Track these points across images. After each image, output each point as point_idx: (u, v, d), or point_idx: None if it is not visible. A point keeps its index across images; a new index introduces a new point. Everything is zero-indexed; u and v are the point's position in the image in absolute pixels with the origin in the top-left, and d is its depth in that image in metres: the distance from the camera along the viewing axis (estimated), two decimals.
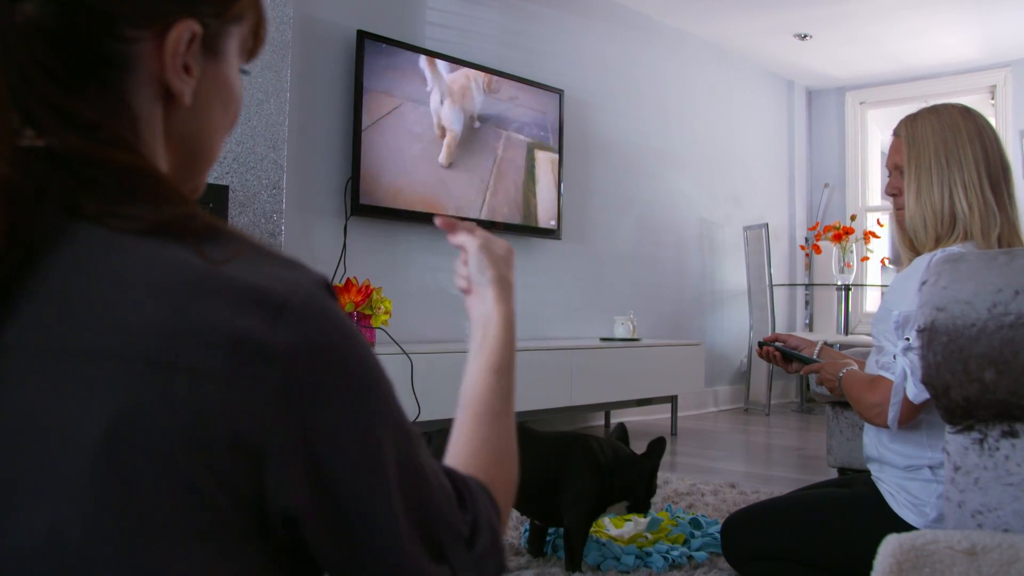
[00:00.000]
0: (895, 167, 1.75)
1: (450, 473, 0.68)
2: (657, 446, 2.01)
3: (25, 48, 0.54)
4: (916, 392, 1.52)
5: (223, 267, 0.52)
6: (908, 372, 1.54)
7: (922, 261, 1.62)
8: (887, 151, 1.85)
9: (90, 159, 0.54)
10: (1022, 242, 1.67)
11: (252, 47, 0.69)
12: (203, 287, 0.51)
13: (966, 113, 1.71)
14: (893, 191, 1.76)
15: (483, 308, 0.87)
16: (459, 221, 0.94)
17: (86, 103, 0.56)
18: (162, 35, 0.58)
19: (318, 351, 0.53)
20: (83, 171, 0.54)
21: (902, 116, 1.80)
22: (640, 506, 2.01)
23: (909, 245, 1.78)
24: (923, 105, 1.79)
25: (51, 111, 0.54)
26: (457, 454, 0.77)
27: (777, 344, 1.99)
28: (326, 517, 0.54)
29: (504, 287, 0.88)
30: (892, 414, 1.56)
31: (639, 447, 2.04)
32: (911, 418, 1.58)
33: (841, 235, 5.62)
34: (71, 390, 0.49)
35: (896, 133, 1.77)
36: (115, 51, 0.57)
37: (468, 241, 0.91)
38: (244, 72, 0.69)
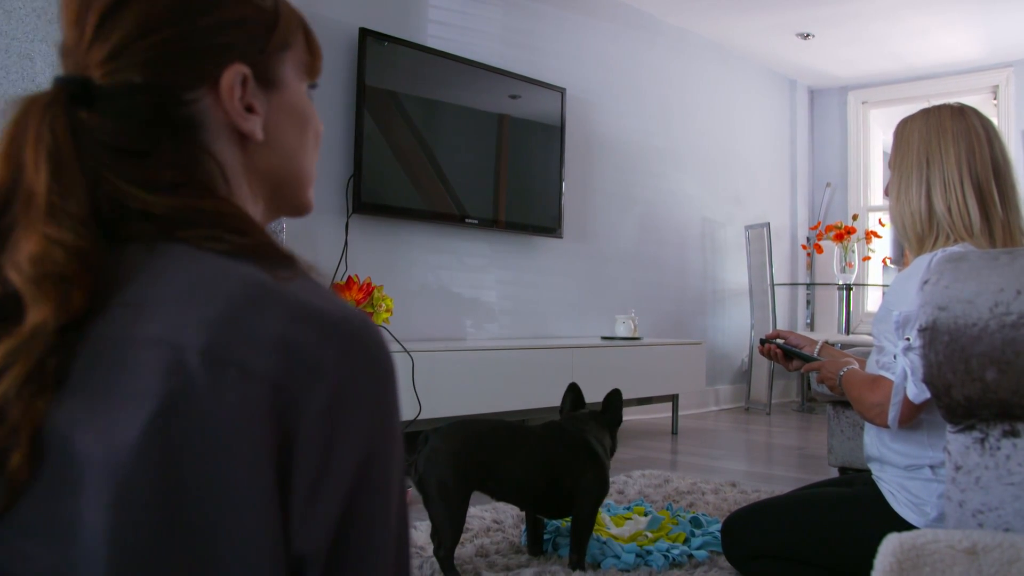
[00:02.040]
0: (889, 166, 1.77)
1: None
2: (612, 401, 2.12)
3: (95, 141, 0.61)
4: (916, 392, 1.51)
5: (287, 284, 0.58)
6: (908, 372, 1.54)
7: (922, 261, 1.63)
8: (890, 151, 1.86)
9: (179, 211, 0.61)
10: (1016, 242, 1.66)
11: (311, 64, 0.73)
12: (266, 297, 0.56)
13: (958, 113, 1.69)
14: (886, 190, 1.79)
15: None
16: None
17: (166, 167, 0.62)
18: (216, 86, 0.64)
19: (364, 376, 0.57)
20: (174, 218, 0.60)
21: (904, 116, 1.80)
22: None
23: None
24: (924, 105, 1.79)
25: (133, 185, 0.60)
26: None
27: (778, 341, 2.00)
28: (342, 551, 0.57)
29: None
30: (892, 414, 1.56)
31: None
32: (911, 418, 1.58)
33: (843, 235, 5.62)
34: (135, 370, 0.54)
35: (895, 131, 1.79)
36: (180, 115, 0.63)
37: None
38: (313, 87, 0.74)
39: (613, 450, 2.09)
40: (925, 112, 1.74)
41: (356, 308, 0.60)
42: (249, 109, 0.66)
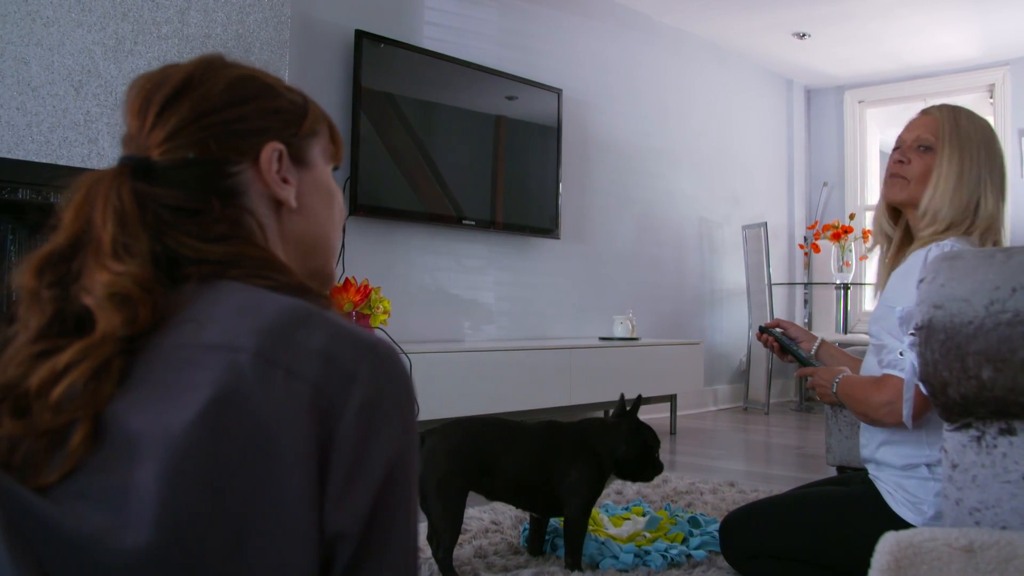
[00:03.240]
0: (916, 141, 1.73)
1: None
2: (634, 408, 2.01)
3: (155, 203, 0.72)
4: None
5: (326, 311, 0.69)
6: (918, 366, 1.54)
7: (918, 257, 1.63)
8: (891, 144, 1.83)
9: (230, 256, 0.72)
10: (999, 242, 1.70)
11: (333, 151, 0.87)
12: (310, 317, 0.67)
13: (991, 125, 1.77)
14: (904, 159, 1.74)
15: None
16: None
17: (216, 222, 0.74)
18: (256, 160, 0.78)
19: (392, 387, 0.67)
20: (225, 261, 0.72)
21: (901, 115, 1.81)
22: (633, 472, 1.99)
23: (891, 218, 1.79)
24: (923, 104, 1.79)
25: (189, 236, 0.72)
26: None
27: (776, 332, 1.99)
28: (370, 537, 0.65)
29: None
30: (907, 410, 1.55)
31: None
32: (925, 411, 1.57)
33: (840, 234, 5.62)
34: (194, 368, 0.63)
35: (928, 112, 1.75)
36: (227, 185, 0.76)
37: None
38: (335, 169, 0.89)
39: (630, 458, 1.98)
40: (969, 110, 1.75)
41: (383, 337, 0.71)
42: (284, 181, 0.79)
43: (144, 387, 0.64)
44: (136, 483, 0.59)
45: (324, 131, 0.86)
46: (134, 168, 0.73)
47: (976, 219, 1.67)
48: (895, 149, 1.79)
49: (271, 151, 0.78)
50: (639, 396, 2.08)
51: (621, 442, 1.98)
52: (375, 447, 0.65)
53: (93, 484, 0.61)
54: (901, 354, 1.59)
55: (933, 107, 1.77)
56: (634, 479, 2.01)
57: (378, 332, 3.13)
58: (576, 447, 1.96)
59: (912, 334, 1.55)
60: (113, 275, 0.67)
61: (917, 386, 1.54)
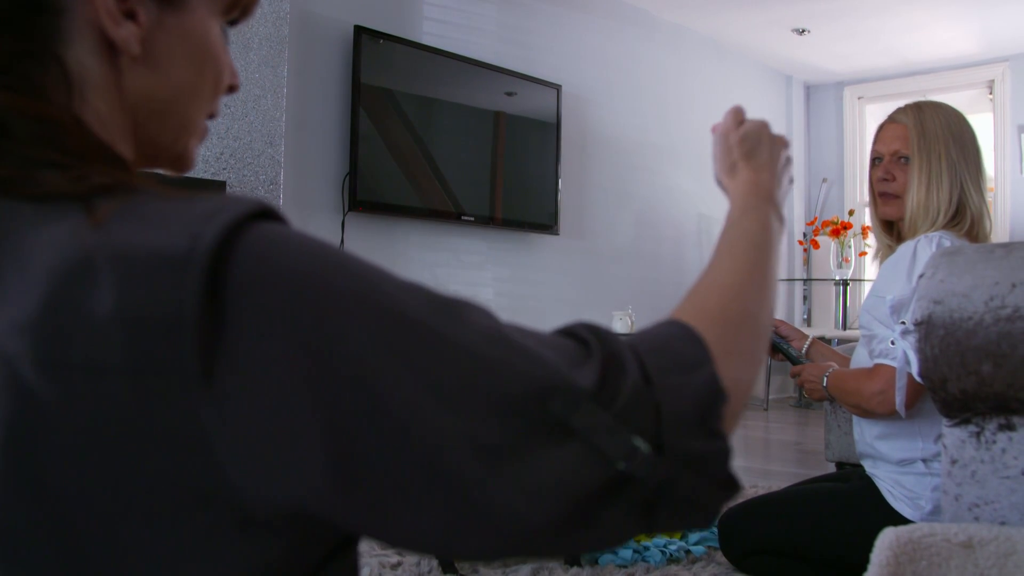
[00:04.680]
0: (895, 155, 1.75)
1: (569, 332, 0.48)
2: None
3: None
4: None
5: (107, 224, 0.42)
6: (911, 354, 1.54)
7: (908, 248, 1.64)
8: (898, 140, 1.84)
9: None
10: (986, 239, 1.71)
11: (229, 2, 0.59)
12: (86, 263, 0.41)
13: (963, 114, 1.75)
14: (888, 176, 1.76)
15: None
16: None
17: None
18: None
19: (249, 305, 0.39)
20: None
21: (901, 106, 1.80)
22: None
23: (887, 231, 1.81)
24: (919, 99, 1.80)
25: None
26: (677, 307, 0.57)
27: None
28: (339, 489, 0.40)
29: (740, 170, 0.78)
30: (899, 398, 1.55)
31: None
32: (917, 399, 1.57)
33: (839, 230, 5.62)
34: None
35: (896, 120, 1.76)
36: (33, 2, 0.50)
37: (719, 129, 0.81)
38: (232, 23, 0.61)
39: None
40: (936, 104, 1.75)
41: (213, 209, 0.41)
42: (130, 16, 0.52)
43: None
44: None
45: None
46: None
47: (963, 212, 1.68)
48: (874, 161, 1.80)
49: None
50: None
51: None
52: (269, 393, 0.39)
53: None
54: (892, 343, 1.60)
55: (899, 112, 1.77)
56: None
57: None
58: None
59: (903, 323, 1.56)
60: None
61: (909, 374, 1.54)
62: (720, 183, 0.79)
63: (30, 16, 0.49)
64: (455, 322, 0.43)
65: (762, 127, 0.83)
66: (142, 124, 0.56)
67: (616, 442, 0.41)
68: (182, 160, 0.60)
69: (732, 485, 0.46)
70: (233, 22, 0.61)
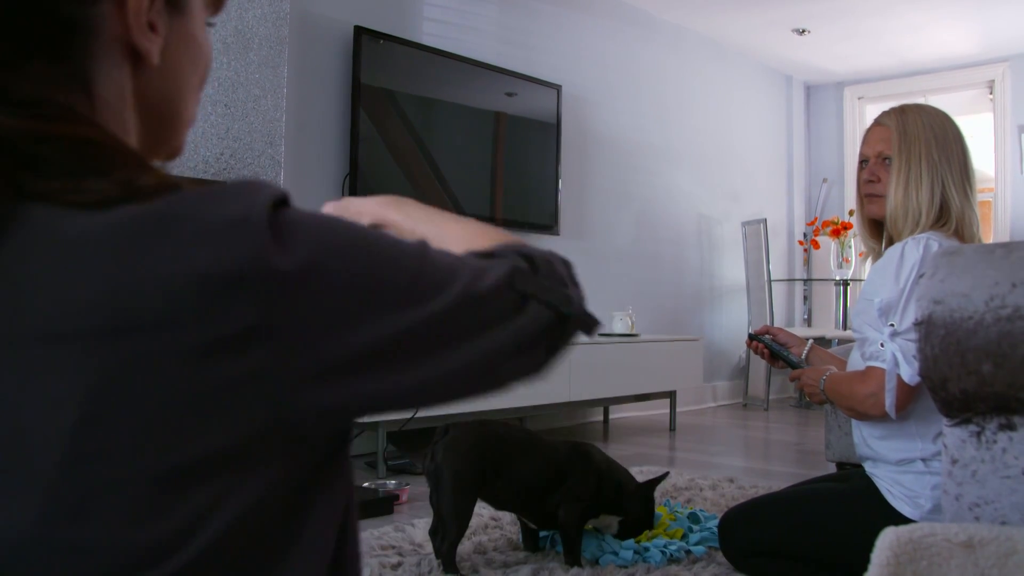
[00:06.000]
0: (879, 156, 1.76)
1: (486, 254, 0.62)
2: (656, 479, 2.06)
3: None
4: (911, 374, 1.53)
5: (165, 205, 0.47)
6: (899, 356, 1.55)
7: (895, 250, 1.65)
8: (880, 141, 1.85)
9: (30, 137, 0.49)
10: (974, 238, 1.72)
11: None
12: (145, 231, 0.46)
13: (948, 116, 1.76)
14: (873, 178, 1.77)
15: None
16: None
17: (25, 79, 0.52)
18: None
19: (304, 254, 0.48)
20: (24, 150, 0.49)
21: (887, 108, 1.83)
22: (630, 530, 2.04)
23: (873, 235, 1.82)
24: (919, 100, 1.81)
25: None
26: None
27: (766, 338, 2.01)
28: (365, 380, 0.50)
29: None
30: (889, 400, 1.57)
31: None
32: (908, 402, 1.58)
33: (839, 230, 5.62)
34: (35, 380, 0.45)
35: (881, 123, 1.78)
36: (74, 15, 0.53)
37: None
38: (210, 25, 0.66)
39: (648, 523, 2.04)
40: (920, 107, 1.76)
41: (253, 189, 0.49)
42: (152, 28, 0.57)
43: None
44: None
45: None
46: None
47: (947, 213, 1.68)
48: (861, 164, 1.82)
49: None
50: (666, 472, 2.17)
51: (632, 505, 2.01)
52: (312, 330, 0.48)
53: None
54: (882, 345, 1.61)
55: (883, 115, 1.80)
56: (619, 529, 2.04)
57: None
58: (583, 462, 1.98)
59: (891, 325, 1.58)
60: None
61: (899, 376, 1.55)
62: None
63: (64, 36, 0.53)
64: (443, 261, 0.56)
65: None
66: (151, 126, 0.61)
67: (557, 296, 0.59)
68: (178, 150, 0.65)
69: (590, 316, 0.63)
70: (212, 23, 0.66)
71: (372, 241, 0.52)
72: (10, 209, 0.48)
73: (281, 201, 0.49)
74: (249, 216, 0.46)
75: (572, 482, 1.94)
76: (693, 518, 2.30)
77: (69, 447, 0.45)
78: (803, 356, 1.97)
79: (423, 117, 3.77)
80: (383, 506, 2.52)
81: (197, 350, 0.45)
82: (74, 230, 0.47)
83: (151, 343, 0.45)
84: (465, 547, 2.06)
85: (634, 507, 2.01)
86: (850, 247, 5.66)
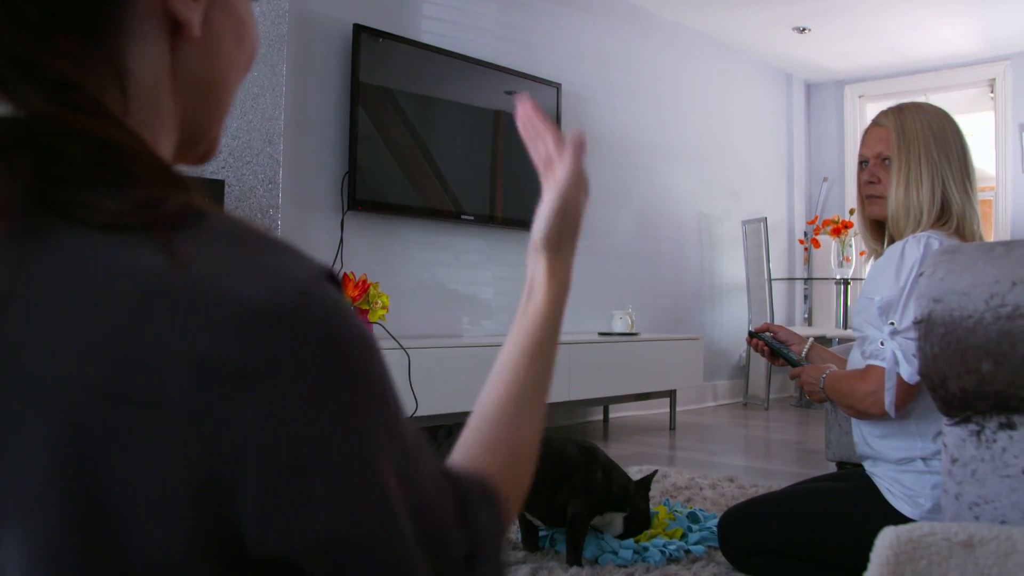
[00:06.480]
0: (878, 157, 1.76)
1: (453, 478, 0.56)
2: (650, 477, 2.12)
3: None
4: (910, 372, 1.52)
5: (189, 267, 0.43)
6: (899, 355, 1.55)
7: (895, 249, 1.65)
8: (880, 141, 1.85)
9: (55, 128, 0.45)
10: (974, 237, 1.72)
11: None
12: (161, 297, 0.42)
13: (946, 113, 1.76)
14: (873, 179, 1.77)
15: (534, 270, 0.76)
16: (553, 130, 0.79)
17: (56, 55, 0.46)
18: None
19: (309, 367, 0.43)
20: (46, 143, 0.44)
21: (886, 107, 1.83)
22: (633, 527, 2.06)
23: (875, 235, 1.82)
24: (919, 98, 1.81)
25: (14, 64, 0.45)
26: (471, 444, 0.65)
27: (766, 336, 2.01)
28: (328, 557, 0.45)
29: (565, 250, 0.77)
30: (888, 399, 1.57)
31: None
32: (908, 400, 1.58)
33: (840, 229, 5.61)
34: (17, 420, 0.42)
35: (879, 123, 1.78)
36: None
37: (561, 165, 0.79)
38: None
39: (647, 520, 2.08)
40: (918, 105, 1.76)
41: (287, 266, 0.45)
42: None
43: None
44: None
45: None
46: None
47: (948, 211, 1.68)
48: (861, 165, 1.83)
49: None
50: (655, 471, 2.21)
51: (630, 500, 2.05)
52: (299, 466, 0.43)
53: None
54: (882, 343, 1.61)
55: (881, 115, 1.80)
56: (625, 526, 2.07)
57: (378, 326, 3.11)
58: (592, 462, 2.00)
59: (891, 323, 1.58)
60: None
61: (899, 375, 1.55)
62: (538, 249, 0.78)
63: (97, 8, 0.48)
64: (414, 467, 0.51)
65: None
66: (191, 110, 0.55)
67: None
68: (213, 149, 0.60)
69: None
70: None
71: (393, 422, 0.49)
72: (35, 224, 0.44)
73: (320, 279, 0.45)
74: (273, 304, 0.43)
75: (581, 477, 1.95)
76: (692, 517, 2.29)
77: (42, 491, 0.42)
78: (803, 354, 1.97)
79: (422, 115, 3.76)
80: None
81: (179, 439, 0.41)
82: (94, 273, 0.43)
83: (139, 419, 0.41)
84: None
85: (636, 504, 2.03)
86: (850, 246, 5.66)
